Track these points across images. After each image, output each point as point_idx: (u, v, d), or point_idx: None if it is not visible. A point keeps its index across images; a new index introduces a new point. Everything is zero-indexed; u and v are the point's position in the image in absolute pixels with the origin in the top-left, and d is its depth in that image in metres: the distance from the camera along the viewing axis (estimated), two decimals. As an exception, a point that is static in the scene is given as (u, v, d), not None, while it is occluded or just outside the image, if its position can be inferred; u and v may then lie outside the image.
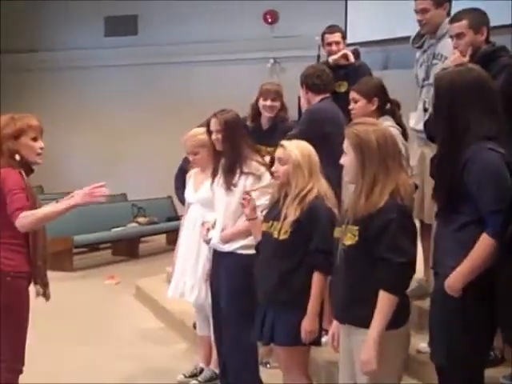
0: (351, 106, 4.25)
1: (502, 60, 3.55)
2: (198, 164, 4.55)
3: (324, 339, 3.57)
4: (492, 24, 3.85)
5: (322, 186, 3.35)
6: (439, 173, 2.75)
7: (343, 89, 5.10)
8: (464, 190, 2.63)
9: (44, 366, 4.70)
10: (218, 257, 4.00)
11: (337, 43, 5.43)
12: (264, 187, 3.75)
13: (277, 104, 4.88)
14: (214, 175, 4.04)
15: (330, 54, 5.44)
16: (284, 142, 3.46)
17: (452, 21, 3.89)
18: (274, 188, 3.54)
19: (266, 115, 4.90)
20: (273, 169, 3.48)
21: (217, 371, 4.55)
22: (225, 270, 3.90)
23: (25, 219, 3.22)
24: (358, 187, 2.77)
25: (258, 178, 3.81)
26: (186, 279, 4.50)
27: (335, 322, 3.04)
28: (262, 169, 3.85)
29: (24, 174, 3.40)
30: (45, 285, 3.51)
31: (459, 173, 2.64)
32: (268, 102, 4.86)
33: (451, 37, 3.88)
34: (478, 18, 3.80)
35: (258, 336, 3.47)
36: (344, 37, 5.57)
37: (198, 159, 4.49)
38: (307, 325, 3.24)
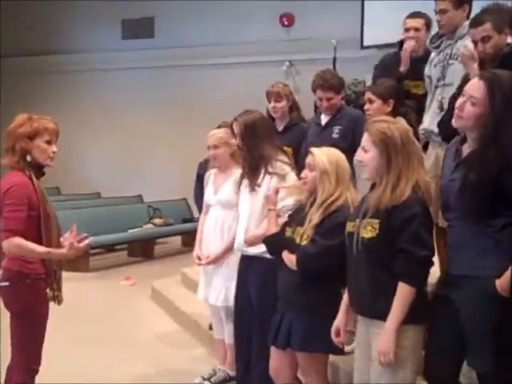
0: (366, 106, 4.25)
1: None
2: (217, 159, 4.50)
3: (347, 348, 3.52)
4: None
5: (351, 194, 3.31)
6: (480, 176, 2.68)
7: (421, 91, 4.72)
8: (504, 191, 2.63)
9: (59, 366, 4.73)
10: (245, 260, 3.99)
11: (416, 29, 4.89)
12: (290, 187, 3.71)
13: (280, 105, 4.80)
14: (241, 177, 4.04)
15: (406, 40, 4.89)
16: (313, 149, 3.43)
17: (474, 25, 3.84)
18: (302, 193, 3.51)
19: (274, 117, 4.89)
20: (302, 175, 3.46)
21: (230, 373, 4.57)
22: (254, 274, 3.89)
23: (13, 248, 3.24)
24: (383, 183, 2.80)
25: (283, 177, 3.78)
26: (210, 281, 4.51)
27: (340, 317, 3.04)
28: (287, 168, 3.83)
29: (34, 177, 3.39)
30: (58, 289, 3.51)
31: (497, 175, 2.64)
32: (271, 104, 4.83)
33: (474, 42, 3.84)
34: (500, 19, 3.76)
35: (273, 340, 3.45)
36: (428, 26, 4.95)
37: (219, 154, 4.45)
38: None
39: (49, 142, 3.42)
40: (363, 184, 3.13)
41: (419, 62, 4.71)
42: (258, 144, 3.85)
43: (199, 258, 4.57)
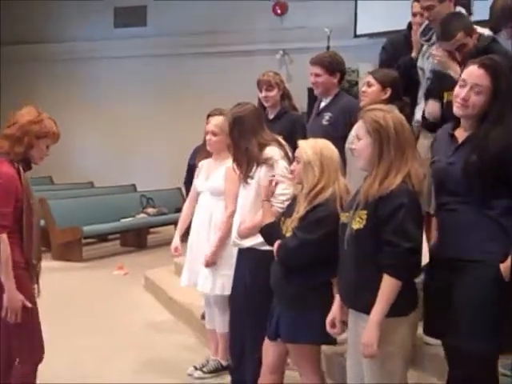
0: (364, 88, 4.21)
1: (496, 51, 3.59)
2: (211, 146, 4.50)
3: (339, 337, 3.52)
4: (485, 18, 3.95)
5: (339, 185, 3.26)
6: (482, 157, 2.71)
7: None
8: (505, 173, 2.66)
9: (51, 356, 4.72)
10: (241, 253, 3.97)
11: (422, 15, 4.77)
12: (281, 176, 3.70)
13: (271, 94, 4.77)
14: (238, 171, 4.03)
15: (412, 25, 4.86)
16: (300, 141, 3.41)
17: (446, 39, 3.91)
18: (293, 186, 3.50)
19: (266, 106, 4.87)
20: (291, 167, 3.46)
21: (223, 362, 4.59)
22: (246, 267, 3.88)
23: None
24: (373, 173, 2.77)
25: (271, 166, 3.77)
26: (197, 268, 4.49)
27: (335, 308, 3.03)
28: (276, 157, 3.81)
29: (22, 170, 3.39)
30: (37, 281, 3.51)
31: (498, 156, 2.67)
32: (262, 93, 4.80)
33: (449, 52, 3.90)
34: (466, 23, 3.87)
35: (267, 331, 3.46)
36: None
37: (213, 142, 4.45)
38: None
39: (47, 146, 3.48)
40: (360, 174, 3.09)
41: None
42: (245, 138, 3.83)
43: (176, 250, 4.64)
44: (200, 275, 4.47)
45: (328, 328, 3.06)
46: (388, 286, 2.67)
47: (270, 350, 3.52)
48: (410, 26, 4.99)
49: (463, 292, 2.76)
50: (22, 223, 3.37)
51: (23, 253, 3.38)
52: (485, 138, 2.74)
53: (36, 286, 3.51)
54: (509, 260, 2.65)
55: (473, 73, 2.80)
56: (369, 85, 4.20)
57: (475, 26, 3.90)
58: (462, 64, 3.70)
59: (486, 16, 4.08)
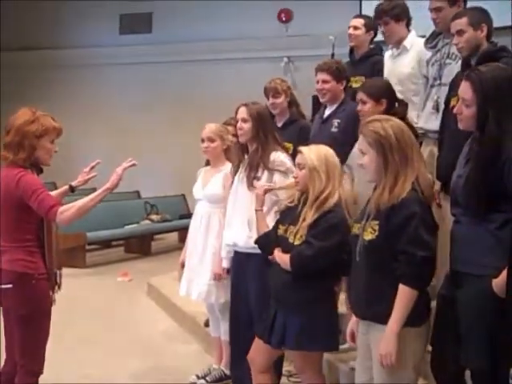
0: (359, 107, 4.14)
1: (503, 60, 3.51)
2: (209, 153, 4.49)
3: (342, 346, 3.50)
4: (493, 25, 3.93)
5: (343, 191, 3.28)
6: (478, 172, 2.70)
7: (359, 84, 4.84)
8: (504, 188, 2.63)
9: (55, 361, 4.71)
10: (240, 258, 3.96)
11: (355, 28, 5.24)
12: (284, 187, 3.68)
13: (279, 101, 4.78)
14: (235, 172, 3.99)
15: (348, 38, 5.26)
16: (301, 148, 3.41)
17: (453, 18, 3.93)
18: (294, 192, 3.48)
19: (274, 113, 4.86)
20: (293, 174, 3.45)
21: (226, 371, 4.55)
22: (252, 271, 3.85)
23: (66, 213, 3.18)
24: (382, 183, 2.78)
25: (285, 173, 3.76)
26: (193, 277, 4.48)
27: (354, 319, 3.03)
28: (288, 163, 3.80)
29: (35, 174, 3.35)
30: (58, 289, 3.51)
31: (499, 171, 2.63)
32: (270, 100, 4.80)
33: (452, 34, 3.91)
34: (477, 15, 3.86)
35: (267, 339, 3.42)
36: (369, 27, 5.32)
37: (211, 148, 4.43)
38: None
39: (52, 142, 3.40)
40: (367, 186, 3.08)
41: (360, 61, 5.19)
42: (264, 136, 3.83)
43: (183, 266, 4.64)
44: (199, 284, 4.42)
45: (348, 340, 3.08)
46: (405, 296, 2.67)
47: (260, 351, 3.50)
48: (351, 50, 5.25)
49: (461, 306, 2.75)
50: (43, 230, 3.34)
51: (45, 262, 3.34)
52: (479, 151, 2.73)
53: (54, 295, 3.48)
54: (501, 276, 2.59)
55: (462, 86, 2.81)
56: (363, 102, 4.12)
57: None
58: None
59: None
